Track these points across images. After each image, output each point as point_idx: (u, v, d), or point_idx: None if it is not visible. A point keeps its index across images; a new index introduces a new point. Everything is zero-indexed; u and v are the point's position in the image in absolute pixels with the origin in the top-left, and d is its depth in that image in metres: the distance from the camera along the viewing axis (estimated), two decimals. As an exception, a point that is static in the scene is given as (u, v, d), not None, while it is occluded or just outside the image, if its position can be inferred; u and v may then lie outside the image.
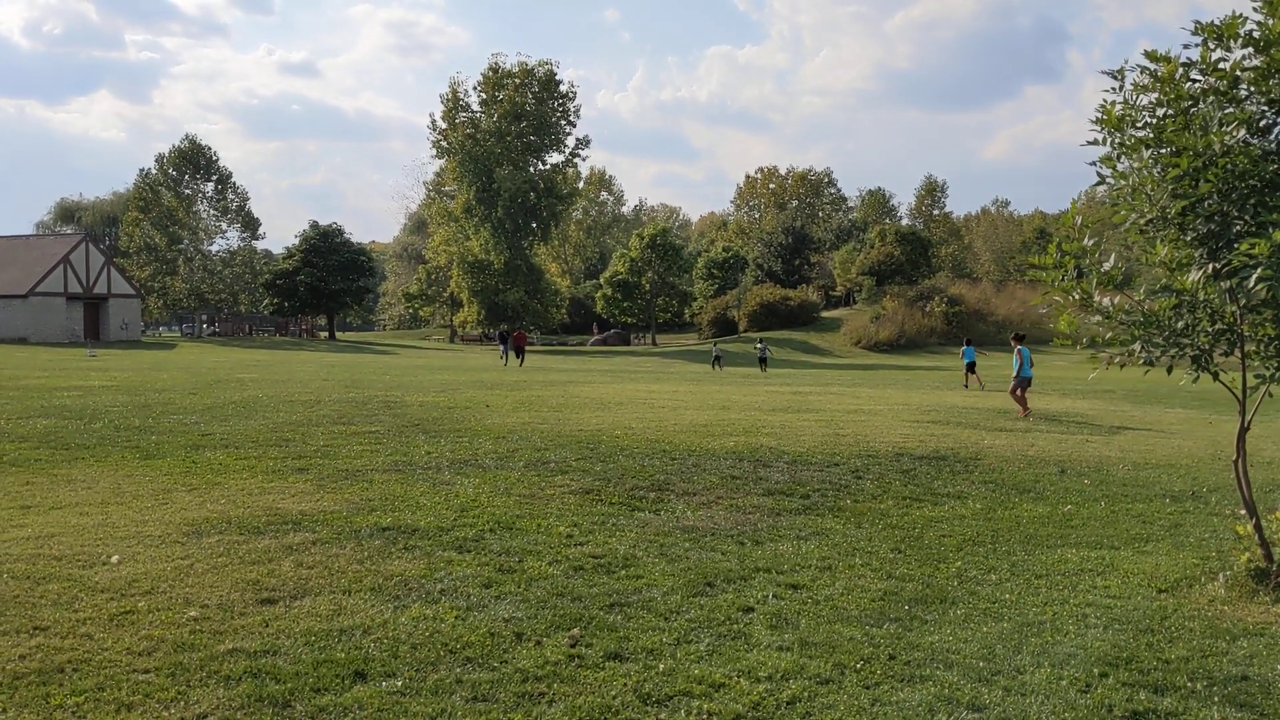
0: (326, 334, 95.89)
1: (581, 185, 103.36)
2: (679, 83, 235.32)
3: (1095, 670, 5.36)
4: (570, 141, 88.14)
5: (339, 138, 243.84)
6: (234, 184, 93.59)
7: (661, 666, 5.28)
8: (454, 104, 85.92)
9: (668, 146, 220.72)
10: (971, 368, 34.40)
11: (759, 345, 52.62)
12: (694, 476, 11.28)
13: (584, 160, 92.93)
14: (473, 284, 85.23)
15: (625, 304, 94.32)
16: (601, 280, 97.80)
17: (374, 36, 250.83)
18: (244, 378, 28.35)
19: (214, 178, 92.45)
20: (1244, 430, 7.24)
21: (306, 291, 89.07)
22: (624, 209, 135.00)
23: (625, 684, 5.02)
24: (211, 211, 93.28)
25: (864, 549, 8.11)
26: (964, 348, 35.07)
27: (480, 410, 18.79)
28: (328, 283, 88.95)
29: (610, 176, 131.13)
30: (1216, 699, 4.99)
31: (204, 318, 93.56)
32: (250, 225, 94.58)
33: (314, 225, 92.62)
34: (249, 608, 6.06)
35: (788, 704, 4.84)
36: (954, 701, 4.89)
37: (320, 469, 11.24)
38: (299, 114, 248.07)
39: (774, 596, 6.64)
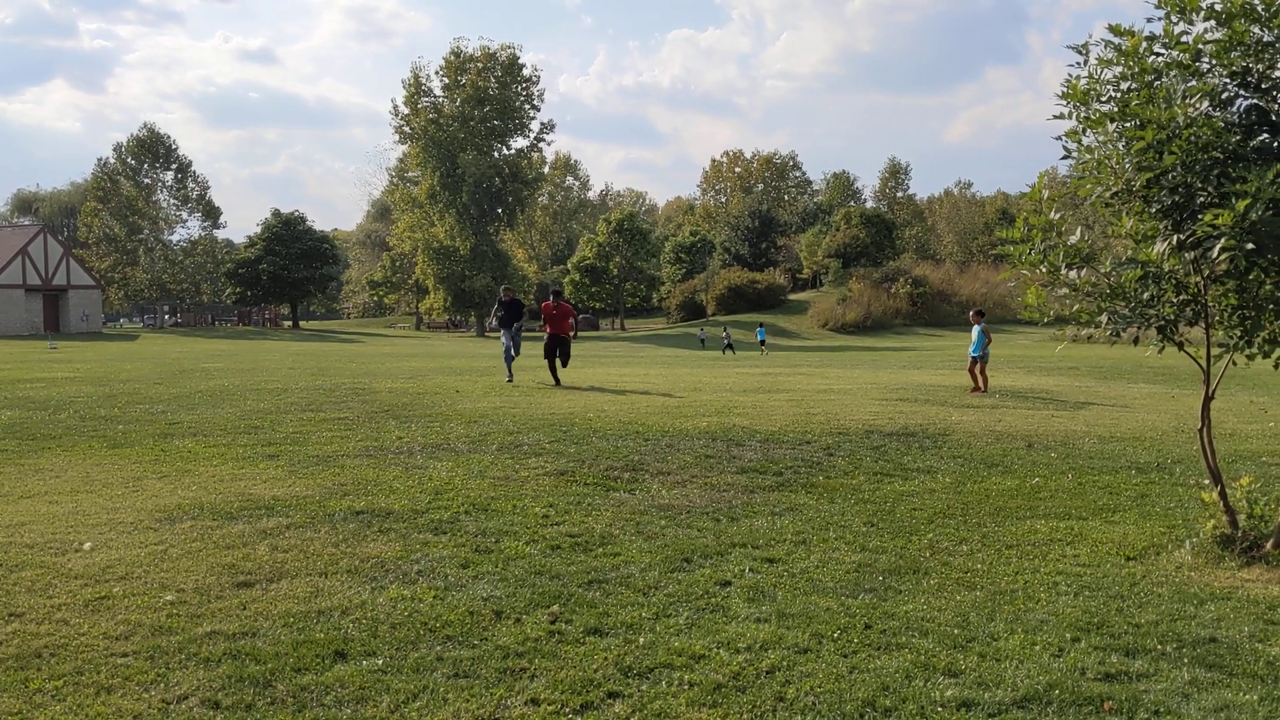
0: (290, 323, 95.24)
1: (547, 170, 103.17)
2: (641, 67, 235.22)
3: (1068, 635, 5.45)
4: (535, 126, 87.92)
5: (299, 125, 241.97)
6: (194, 173, 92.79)
7: (642, 640, 5.32)
8: (416, 89, 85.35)
9: (632, 131, 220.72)
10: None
11: (724, 332, 55.11)
12: (668, 456, 11.32)
13: (549, 145, 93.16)
14: (438, 270, 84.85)
15: (593, 289, 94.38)
16: (569, 266, 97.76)
17: (333, 23, 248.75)
18: (209, 367, 28.12)
19: (174, 166, 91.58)
20: (1208, 400, 7.36)
21: (269, 280, 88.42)
22: (590, 194, 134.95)
23: (606, 658, 5.06)
24: (172, 201, 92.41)
25: (838, 523, 8.18)
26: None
27: (450, 395, 18.74)
28: (291, 271, 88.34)
29: (576, 161, 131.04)
30: (1186, 660, 5.09)
31: (166, 308, 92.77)
32: (211, 214, 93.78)
33: (276, 213, 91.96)
34: (226, 591, 6.04)
35: (767, 673, 4.89)
36: (930, 668, 4.97)
37: (291, 455, 11.19)
38: (258, 102, 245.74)
39: (751, 570, 6.70)
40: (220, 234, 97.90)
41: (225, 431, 13.12)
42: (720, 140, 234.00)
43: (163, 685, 4.62)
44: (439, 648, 5.16)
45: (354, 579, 6.34)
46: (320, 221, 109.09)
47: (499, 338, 23.89)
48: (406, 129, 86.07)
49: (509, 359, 22.16)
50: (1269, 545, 6.93)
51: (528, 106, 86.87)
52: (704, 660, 5.05)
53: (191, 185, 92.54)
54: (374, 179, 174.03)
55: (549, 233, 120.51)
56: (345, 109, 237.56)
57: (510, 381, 21.04)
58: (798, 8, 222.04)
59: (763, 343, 57.01)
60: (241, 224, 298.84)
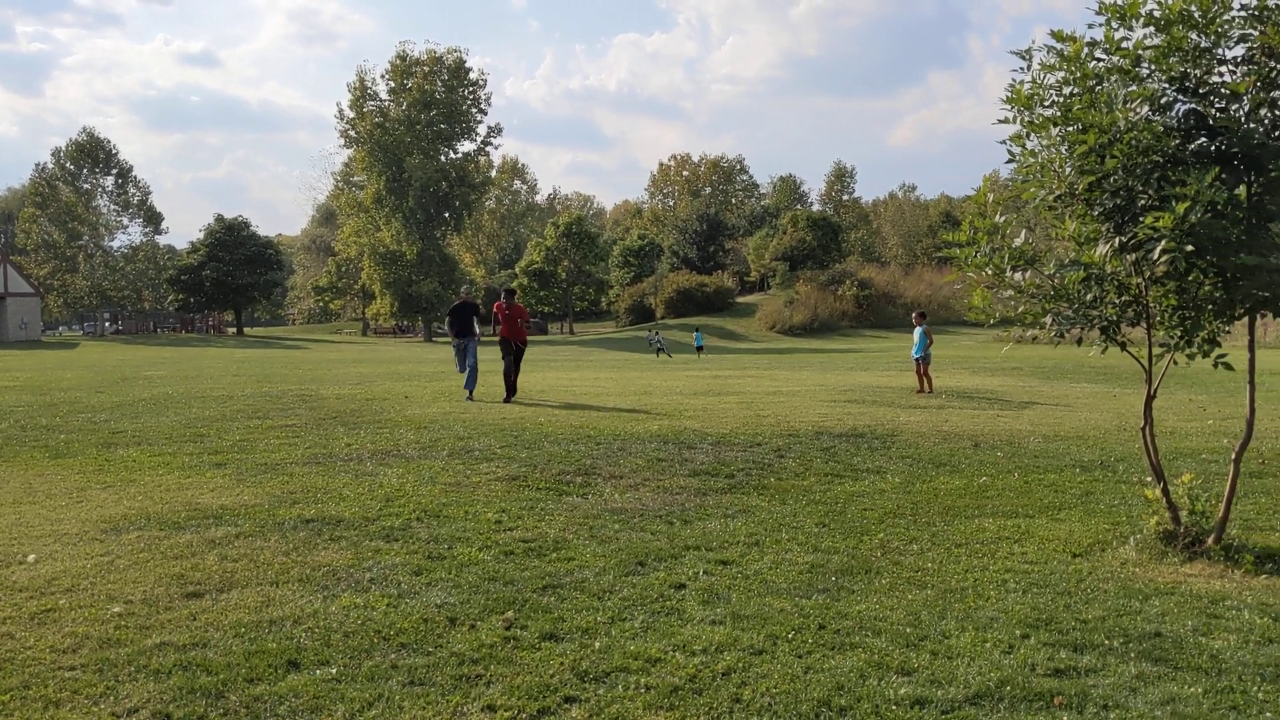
0: (234, 329, 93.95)
1: (494, 174, 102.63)
2: (588, 71, 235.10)
3: (1017, 632, 5.53)
4: (482, 130, 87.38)
5: (242, 129, 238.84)
6: (135, 178, 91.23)
7: (598, 644, 5.31)
8: (361, 92, 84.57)
9: (580, 135, 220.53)
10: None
11: (656, 336, 55.77)
12: (620, 460, 11.33)
13: (496, 149, 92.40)
14: (385, 275, 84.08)
15: (542, 293, 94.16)
16: (517, 270, 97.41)
17: (275, 26, 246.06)
18: (152, 375, 27.68)
19: (114, 171, 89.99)
20: (1150, 398, 7.51)
21: (212, 287, 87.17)
22: (538, 198, 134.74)
23: (562, 663, 5.05)
24: (112, 206, 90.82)
25: (790, 524, 8.23)
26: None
27: (399, 401, 18.61)
28: (234, 277, 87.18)
29: (523, 165, 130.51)
30: (1133, 655, 5.19)
31: (106, 316, 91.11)
32: (153, 220, 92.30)
33: (219, 219, 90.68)
34: (175, 602, 5.94)
35: (723, 675, 4.91)
36: (884, 667, 5.01)
37: (238, 463, 11.05)
38: (199, 105, 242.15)
39: (705, 573, 6.72)
40: (162, 240, 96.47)
41: (170, 440, 12.91)
42: (667, 144, 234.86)
43: (112, 698, 4.54)
44: (393, 656, 5.12)
45: (305, 588, 6.27)
46: (264, 227, 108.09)
47: (451, 346, 20.68)
48: (352, 133, 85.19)
49: (470, 375, 19.24)
50: (1210, 541, 7.08)
51: (474, 110, 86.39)
52: (660, 663, 5.06)
53: (132, 190, 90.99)
54: (319, 183, 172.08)
55: (496, 237, 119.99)
56: (289, 113, 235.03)
57: (470, 399, 18.59)
58: (743, 12, 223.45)
59: (700, 348, 56.53)
60: (184, 230, 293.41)
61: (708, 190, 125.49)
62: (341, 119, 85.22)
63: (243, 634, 5.38)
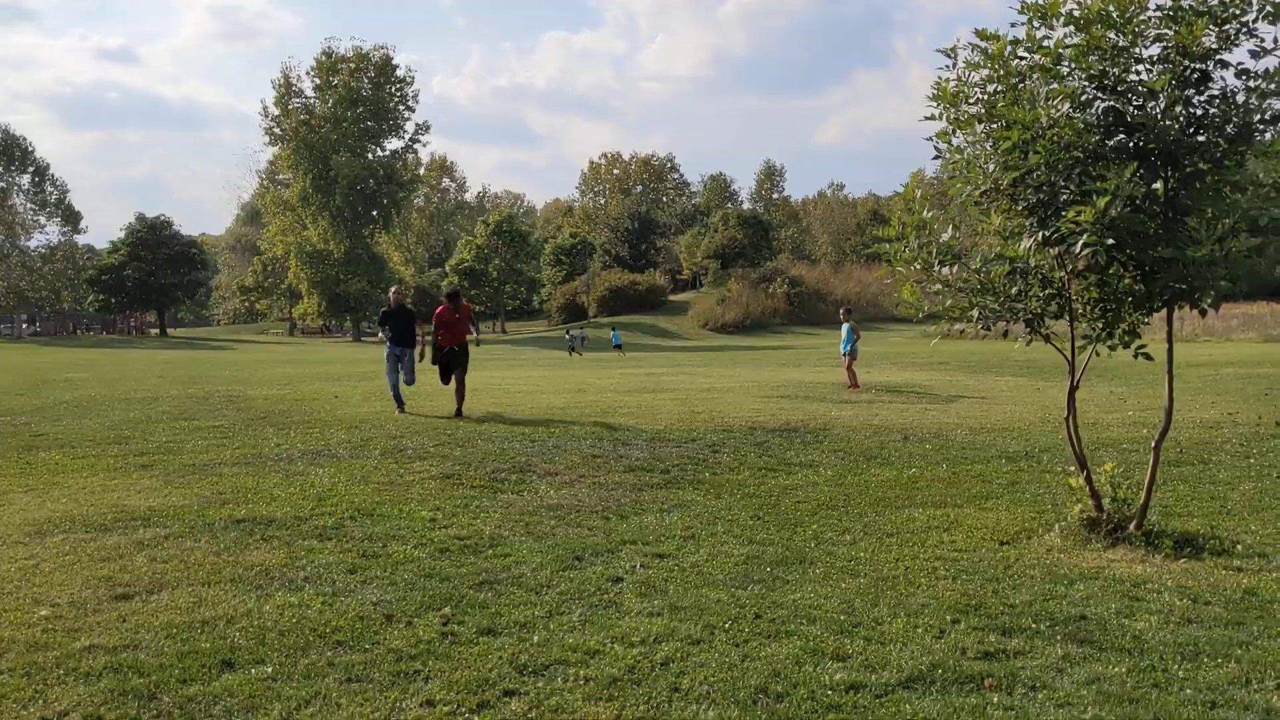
0: (157, 330, 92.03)
1: (422, 172, 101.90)
2: (516, 68, 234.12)
3: (948, 617, 5.65)
4: (409, 127, 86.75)
5: (163, 127, 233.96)
6: (52, 176, 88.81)
7: (536, 638, 5.32)
8: (286, 90, 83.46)
9: (509, 133, 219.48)
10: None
11: (579, 335, 56.79)
12: (555, 457, 11.33)
13: (424, 146, 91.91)
14: (312, 274, 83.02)
15: (473, 292, 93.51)
16: (447, 268, 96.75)
17: (197, 22, 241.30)
18: (73, 377, 27.02)
19: (30, 169, 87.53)
20: (1073, 389, 7.70)
21: (134, 287, 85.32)
22: (467, 196, 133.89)
23: (501, 657, 5.05)
24: (29, 205, 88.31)
25: (725, 518, 8.31)
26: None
27: (329, 401, 18.41)
28: (157, 277, 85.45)
29: (451, 163, 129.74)
30: (1058, 637, 5.32)
31: (24, 318, 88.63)
32: (71, 219, 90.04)
33: (140, 218, 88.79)
34: (103, 604, 5.83)
35: (661, 665, 4.95)
36: (819, 653, 5.09)
37: (165, 465, 10.85)
38: (118, 102, 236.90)
39: (642, 566, 6.75)
40: (81, 240, 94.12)
41: (94, 443, 12.63)
42: (598, 142, 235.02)
43: (41, 702, 4.44)
44: (330, 653, 5.08)
45: (238, 588, 6.19)
46: (188, 226, 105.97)
47: (385, 350, 16.76)
48: (277, 130, 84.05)
49: (395, 390, 16.59)
50: (1132, 527, 7.28)
51: (402, 108, 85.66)
52: (599, 655, 5.09)
53: (49, 189, 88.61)
54: (243, 182, 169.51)
55: (425, 235, 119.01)
56: (212, 110, 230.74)
57: (401, 411, 16.13)
58: (671, 11, 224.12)
59: (618, 346, 57.36)
60: (104, 229, 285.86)
61: (639, 189, 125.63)
62: (266, 116, 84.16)
63: (174, 635, 5.29)
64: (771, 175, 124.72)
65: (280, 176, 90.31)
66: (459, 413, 15.63)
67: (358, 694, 4.59)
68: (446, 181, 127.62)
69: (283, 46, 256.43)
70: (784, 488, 9.63)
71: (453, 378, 15.99)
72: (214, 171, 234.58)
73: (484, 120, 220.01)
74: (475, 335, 17.11)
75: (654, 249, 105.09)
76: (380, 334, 16.86)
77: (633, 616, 5.69)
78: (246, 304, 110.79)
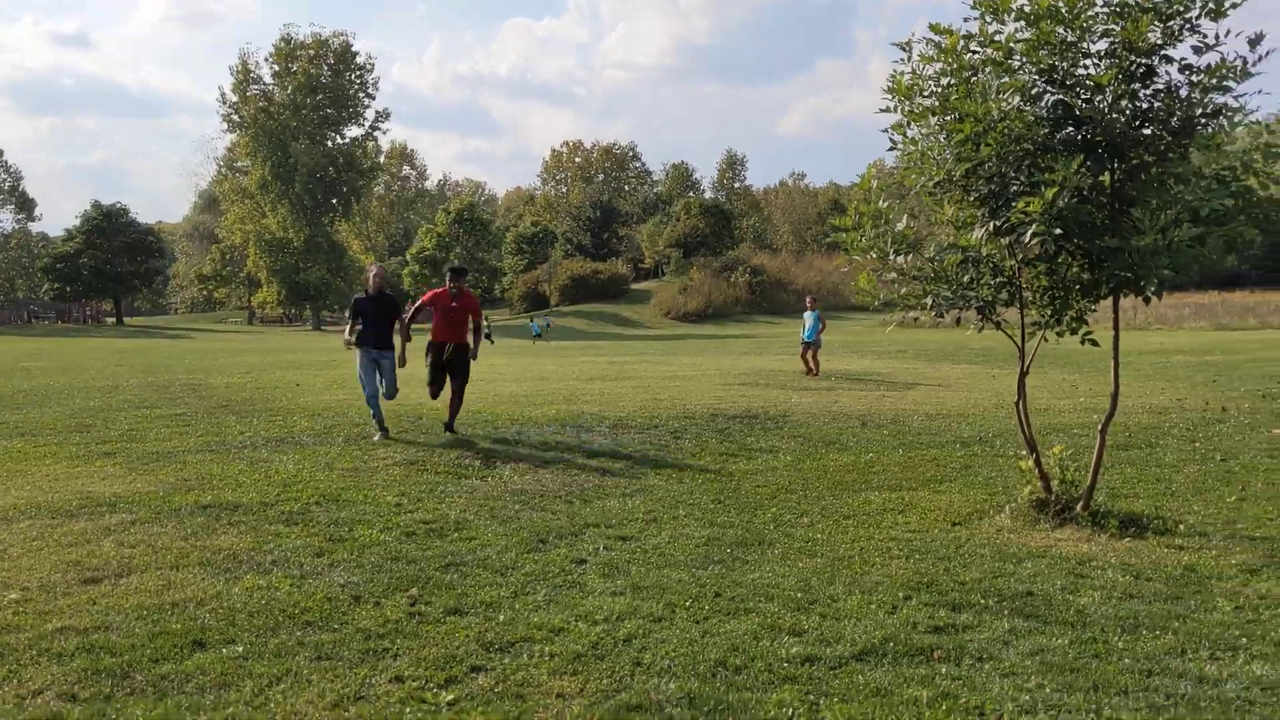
0: (114, 319, 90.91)
1: (383, 159, 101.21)
2: (478, 56, 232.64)
3: (900, 594, 5.85)
4: (370, 115, 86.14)
5: (120, 114, 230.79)
6: (5, 162, 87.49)
7: (502, 617, 5.46)
8: (245, 76, 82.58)
9: (470, 121, 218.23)
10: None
11: (534, 322, 57.91)
12: (519, 444, 11.45)
13: (384, 134, 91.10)
14: (271, 263, 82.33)
15: (433, 280, 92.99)
16: (407, 257, 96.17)
17: (153, 6, 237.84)
18: (30, 366, 26.73)
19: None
20: (1023, 374, 7.93)
21: (90, 275, 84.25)
22: (428, 184, 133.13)
23: (468, 635, 5.18)
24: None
25: (686, 501, 8.48)
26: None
27: (291, 390, 18.39)
28: (113, 265, 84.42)
29: (412, 151, 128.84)
30: (1006, 612, 5.54)
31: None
32: (25, 206, 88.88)
33: (96, 205, 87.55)
34: (73, 588, 5.89)
35: (624, 641, 5.10)
36: (777, 629, 5.27)
37: (129, 452, 10.85)
38: (74, 88, 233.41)
39: (605, 548, 6.90)
40: (35, 227, 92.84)
41: (55, 431, 12.59)
42: (560, 130, 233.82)
43: (15, 681, 4.52)
44: (299, 633, 5.19)
45: (206, 571, 6.27)
46: (144, 214, 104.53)
47: (357, 355, 12.14)
48: (235, 117, 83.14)
49: (374, 403, 12.10)
50: (1079, 508, 7.52)
51: (362, 95, 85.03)
52: (563, 633, 5.23)
53: (3, 176, 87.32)
54: (201, 169, 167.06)
55: (386, 223, 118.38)
56: (169, 96, 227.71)
57: (384, 436, 11.85)
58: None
59: (538, 335, 58.62)
60: (59, 217, 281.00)
61: (601, 177, 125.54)
62: (224, 103, 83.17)
63: (145, 616, 5.38)
64: (733, 164, 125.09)
65: (239, 164, 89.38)
66: (450, 425, 12.23)
67: (328, 671, 4.70)
68: (407, 169, 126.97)
69: (241, 32, 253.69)
70: (744, 472, 9.81)
71: (447, 385, 12.36)
72: (172, 159, 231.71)
73: (445, 108, 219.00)
74: (488, 332, 12.66)
75: (616, 238, 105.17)
76: (346, 332, 12.02)
77: (596, 596, 5.84)
78: (204, 293, 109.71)
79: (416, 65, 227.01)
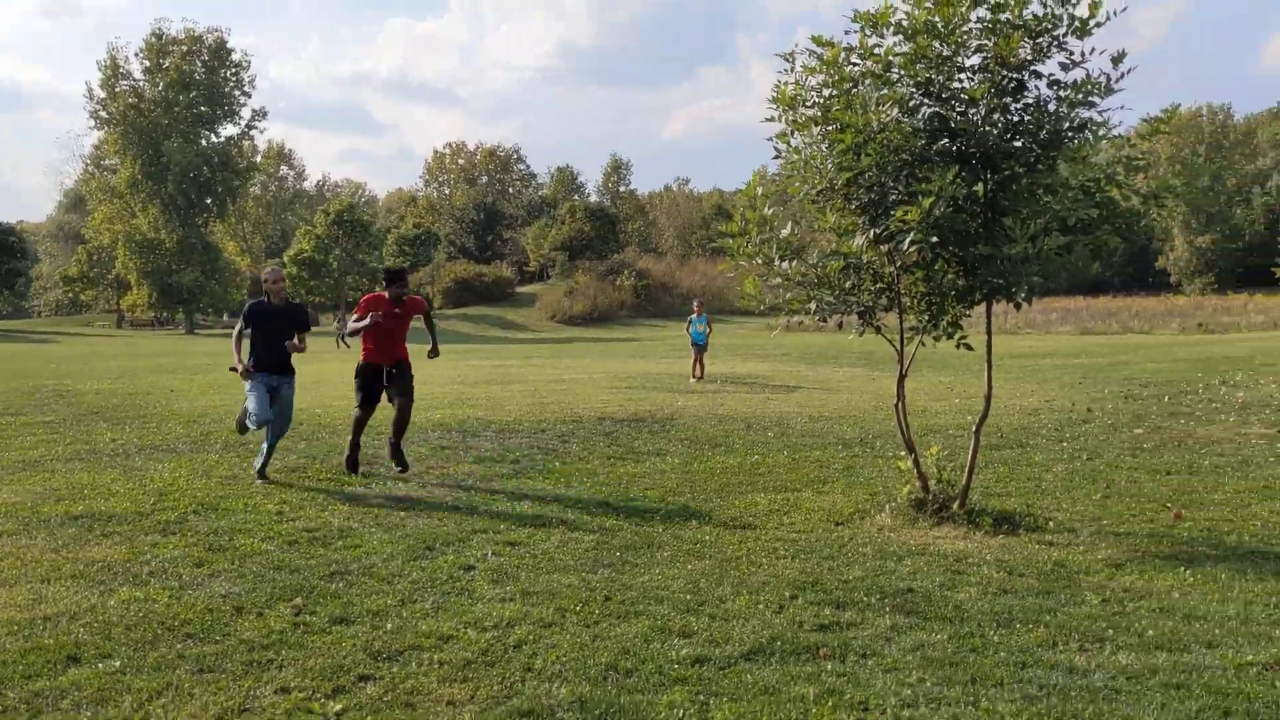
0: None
1: (259, 159, 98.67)
2: (357, 54, 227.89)
3: (787, 594, 5.97)
4: (246, 113, 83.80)
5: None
6: None
7: (389, 626, 5.40)
8: (114, 71, 79.58)
9: (350, 120, 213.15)
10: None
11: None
12: (403, 449, 11.29)
13: (261, 133, 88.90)
14: (141, 265, 79.50)
15: (312, 283, 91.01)
16: (285, 259, 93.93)
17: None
18: (-121, 372, 25.36)
19: None
20: (902, 377, 8.16)
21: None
22: (306, 184, 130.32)
23: (355, 644, 5.11)
24: None
25: (575, 505, 8.50)
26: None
27: (165, 396, 17.84)
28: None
29: (290, 151, 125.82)
30: (888, 609, 5.70)
31: None
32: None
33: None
34: (-66, 605, 5.63)
35: (515, 647, 5.10)
36: (667, 631, 5.32)
37: (-9, 462, 10.39)
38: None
39: (493, 554, 6.88)
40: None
41: (-92, 440, 11.98)
42: (442, 131, 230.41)
43: (-128, 705, 4.31)
44: (179, 646, 5.05)
45: (80, 584, 6.05)
46: (4, 213, 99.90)
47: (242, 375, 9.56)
48: (103, 114, 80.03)
49: (270, 431, 9.62)
50: (955, 506, 7.78)
51: (238, 92, 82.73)
52: (453, 640, 5.20)
53: None
54: (67, 167, 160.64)
55: (262, 224, 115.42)
56: (31, 91, 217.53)
57: (262, 481, 9.43)
58: (516, 0, 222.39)
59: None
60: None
61: (485, 179, 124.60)
62: (91, 99, 79.99)
63: (16, 632, 5.17)
64: (618, 168, 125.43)
65: (107, 162, 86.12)
66: (396, 450, 10.14)
67: (210, 684, 4.59)
68: (285, 169, 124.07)
69: (109, 26, 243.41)
70: (633, 475, 9.87)
71: (386, 400, 10.19)
72: (34, 155, 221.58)
73: (324, 107, 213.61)
74: (433, 345, 11.21)
75: (500, 240, 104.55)
76: (235, 351, 9.59)
77: (485, 602, 5.82)
78: (70, 295, 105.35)
79: (294, 63, 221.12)
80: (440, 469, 10.16)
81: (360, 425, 10.14)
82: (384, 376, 10.08)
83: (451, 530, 7.55)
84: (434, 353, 11.09)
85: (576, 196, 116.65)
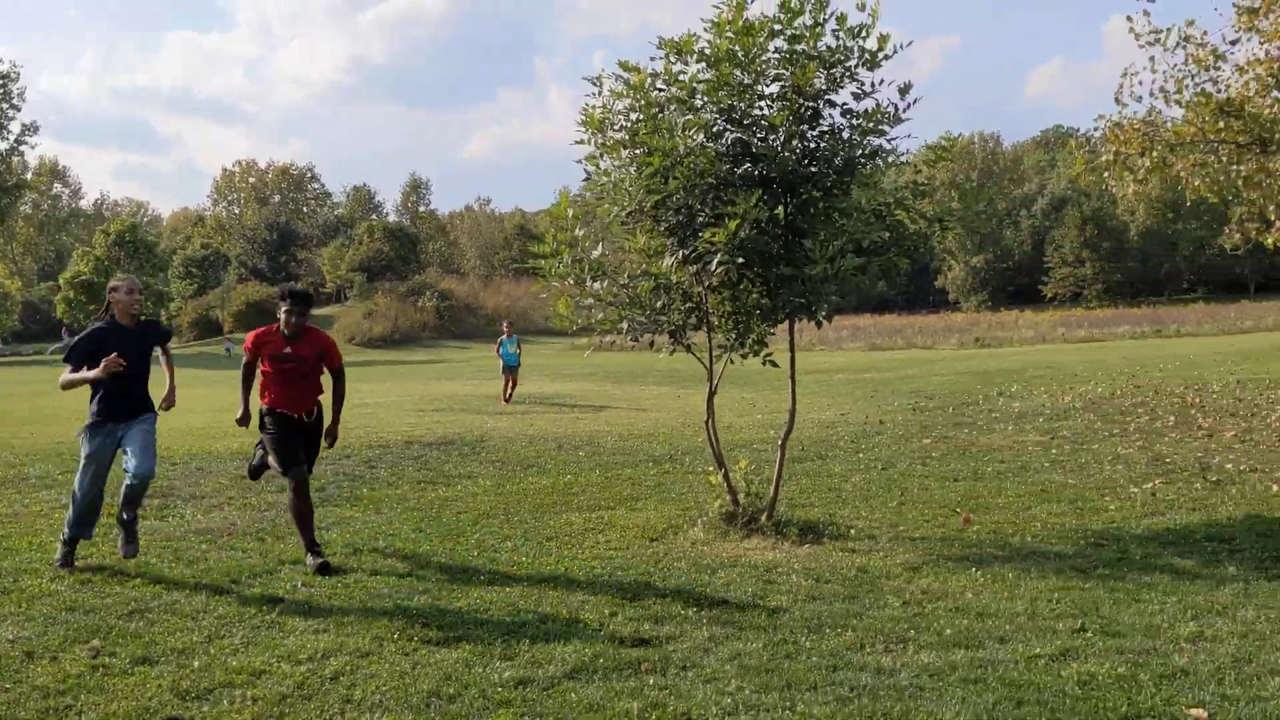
0: None
1: (30, 176, 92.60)
2: (138, 67, 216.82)
3: (606, 611, 6.03)
4: (15, 128, 78.45)
5: None
6: None
7: (196, 664, 5.17)
8: None
9: (130, 136, 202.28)
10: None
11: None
12: (200, 480, 10.85)
13: (32, 149, 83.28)
14: (-104, 288, 73.36)
15: (91, 307, 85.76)
16: (60, 282, 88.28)
17: None
18: None
19: None
20: (712, 395, 8.39)
21: None
22: (83, 203, 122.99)
23: (160, 685, 4.87)
24: None
25: (386, 532, 8.34)
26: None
27: (-72, 429, 16.49)
28: None
29: (64, 167, 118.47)
30: (705, 620, 5.84)
31: None
32: None
33: None
34: None
35: (331, 679, 4.97)
36: (488, 655, 5.30)
37: None
38: None
39: (303, 585, 6.68)
40: None
41: None
42: (232, 149, 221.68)
43: None
44: (-38, 699, 4.70)
45: None
46: None
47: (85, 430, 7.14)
48: None
49: (86, 520, 7.25)
50: (764, 518, 8.04)
51: (6, 106, 77.48)
52: (265, 675, 5.03)
53: None
54: None
55: (34, 245, 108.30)
56: None
57: (67, 566, 7.11)
58: (307, 17, 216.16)
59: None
60: None
61: (277, 198, 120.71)
62: None
63: None
64: (417, 188, 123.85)
65: None
66: (313, 551, 7.27)
67: (0, 738, 4.30)
68: (58, 187, 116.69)
69: None
70: (444, 499, 9.77)
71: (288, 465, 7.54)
72: None
73: (102, 122, 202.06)
74: (340, 401, 8.14)
75: (295, 261, 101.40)
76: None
77: (298, 635, 5.65)
78: None
79: (68, 75, 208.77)
80: (241, 499, 9.78)
81: (304, 510, 7.38)
82: (301, 433, 7.72)
83: (257, 562, 7.29)
84: (329, 436, 8.05)
85: (374, 216, 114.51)
